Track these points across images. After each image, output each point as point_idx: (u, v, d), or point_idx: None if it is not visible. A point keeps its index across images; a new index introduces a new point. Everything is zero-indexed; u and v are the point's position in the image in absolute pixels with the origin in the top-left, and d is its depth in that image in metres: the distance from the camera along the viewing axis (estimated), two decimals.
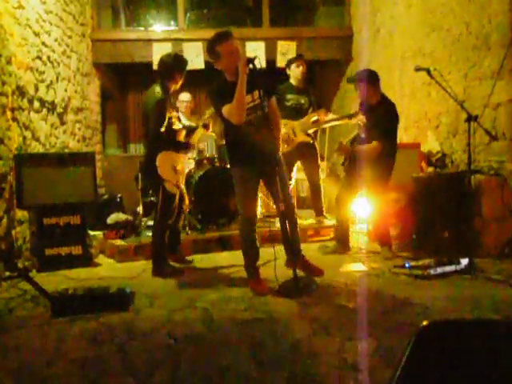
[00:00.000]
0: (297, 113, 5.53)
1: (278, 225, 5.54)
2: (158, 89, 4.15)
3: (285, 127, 5.47)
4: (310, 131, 5.62)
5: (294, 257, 3.70)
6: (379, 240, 4.71)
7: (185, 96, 6.30)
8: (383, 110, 4.46)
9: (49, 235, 4.63)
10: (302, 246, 4.02)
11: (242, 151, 3.63)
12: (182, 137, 4.34)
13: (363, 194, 4.92)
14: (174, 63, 4.19)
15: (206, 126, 4.69)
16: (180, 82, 4.26)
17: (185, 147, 4.30)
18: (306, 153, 5.62)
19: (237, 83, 3.39)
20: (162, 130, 4.02)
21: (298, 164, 5.79)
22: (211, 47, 3.52)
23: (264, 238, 4.45)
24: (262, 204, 6.11)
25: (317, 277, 3.78)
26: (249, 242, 3.70)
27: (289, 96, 5.60)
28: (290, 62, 5.78)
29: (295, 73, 5.65)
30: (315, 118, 5.54)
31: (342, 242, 4.83)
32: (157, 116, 4.07)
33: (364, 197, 5.03)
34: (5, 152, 4.37)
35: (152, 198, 5.67)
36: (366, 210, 5.38)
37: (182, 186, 4.46)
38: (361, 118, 4.59)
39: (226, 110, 3.48)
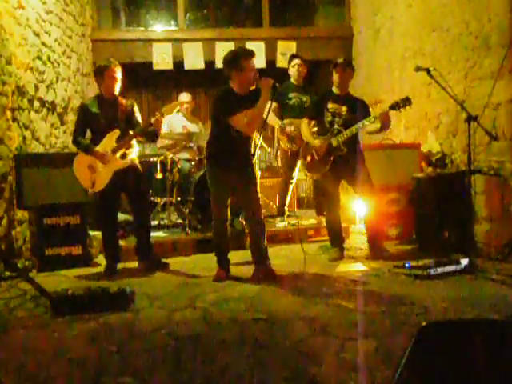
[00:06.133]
0: (300, 111, 5.51)
1: (277, 225, 5.62)
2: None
3: (291, 126, 5.48)
4: (314, 129, 5.61)
5: (258, 265, 4.02)
6: (370, 241, 4.64)
7: (184, 96, 6.29)
8: (355, 96, 4.67)
9: (49, 235, 4.62)
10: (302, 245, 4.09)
11: (224, 155, 3.92)
12: (108, 140, 4.23)
13: (355, 193, 4.76)
14: (96, 70, 4.36)
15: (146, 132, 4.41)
16: (112, 83, 4.23)
17: (89, 152, 4.20)
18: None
19: (244, 97, 3.84)
20: (73, 138, 4.27)
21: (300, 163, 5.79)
22: (237, 59, 3.83)
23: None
24: (263, 204, 6.09)
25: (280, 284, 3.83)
26: (219, 237, 4.09)
27: (290, 94, 5.59)
28: (289, 60, 5.81)
29: (292, 72, 5.68)
30: None
31: (336, 245, 4.67)
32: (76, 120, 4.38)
33: (357, 196, 4.86)
34: (5, 152, 4.37)
35: (151, 198, 5.67)
36: (363, 209, 5.32)
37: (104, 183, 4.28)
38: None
39: (235, 120, 3.79)
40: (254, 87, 3.90)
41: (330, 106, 4.56)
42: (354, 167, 4.47)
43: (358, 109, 4.52)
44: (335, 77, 4.56)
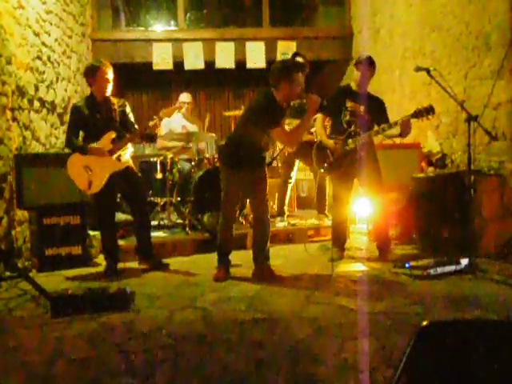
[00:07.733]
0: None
1: (277, 225, 5.62)
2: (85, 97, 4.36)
3: (289, 126, 5.45)
4: (313, 129, 5.59)
5: (259, 265, 4.04)
6: (379, 246, 4.58)
7: (185, 97, 6.28)
8: (373, 94, 4.53)
9: (49, 235, 4.62)
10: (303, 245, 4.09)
11: (244, 158, 3.90)
12: (104, 141, 4.19)
13: (363, 192, 4.70)
14: (86, 71, 4.31)
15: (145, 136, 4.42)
16: (104, 84, 4.21)
17: (84, 152, 4.17)
18: (311, 151, 5.56)
19: (283, 108, 3.83)
20: (66, 140, 4.25)
21: (300, 163, 5.79)
22: (289, 71, 3.75)
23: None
24: None
25: (280, 284, 3.82)
26: (224, 237, 4.10)
27: None
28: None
29: None
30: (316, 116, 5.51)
31: (337, 246, 4.62)
32: (68, 121, 4.35)
33: (365, 195, 4.78)
34: (5, 152, 4.37)
35: (151, 198, 5.67)
36: (366, 209, 5.32)
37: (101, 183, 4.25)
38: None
39: (278, 131, 3.78)
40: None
41: (349, 104, 4.39)
42: (367, 167, 4.36)
43: (376, 109, 4.40)
44: (356, 74, 4.42)
